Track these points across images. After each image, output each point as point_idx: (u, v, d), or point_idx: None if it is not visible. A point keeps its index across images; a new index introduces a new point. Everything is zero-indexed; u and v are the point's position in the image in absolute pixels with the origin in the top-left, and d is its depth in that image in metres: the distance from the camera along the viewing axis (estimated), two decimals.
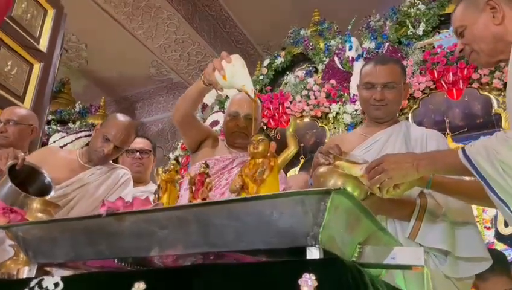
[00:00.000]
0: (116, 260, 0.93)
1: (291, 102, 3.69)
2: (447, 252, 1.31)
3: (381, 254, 0.86)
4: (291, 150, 1.10)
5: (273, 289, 0.59)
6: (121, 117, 2.00)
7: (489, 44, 1.18)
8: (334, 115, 3.52)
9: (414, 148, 1.45)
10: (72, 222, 0.92)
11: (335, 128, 3.54)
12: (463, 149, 1.06)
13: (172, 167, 1.17)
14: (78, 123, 5.17)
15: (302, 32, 4.24)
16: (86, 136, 4.96)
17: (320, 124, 3.65)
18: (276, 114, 3.76)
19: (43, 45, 2.81)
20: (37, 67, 2.74)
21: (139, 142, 2.41)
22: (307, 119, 3.73)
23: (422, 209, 1.35)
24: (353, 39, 3.62)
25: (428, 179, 1.23)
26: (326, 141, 3.69)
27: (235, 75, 1.30)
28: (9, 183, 1.42)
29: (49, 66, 2.82)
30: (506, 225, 3.36)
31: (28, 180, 1.59)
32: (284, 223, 0.72)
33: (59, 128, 5.04)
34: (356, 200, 0.75)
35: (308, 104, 3.61)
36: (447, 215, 1.34)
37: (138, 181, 2.30)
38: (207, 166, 1.16)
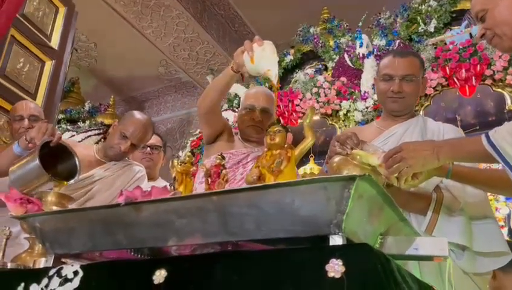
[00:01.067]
0: (132, 251, 0.92)
1: (301, 100, 3.68)
2: (465, 247, 1.29)
3: (404, 245, 0.84)
4: (309, 141, 1.09)
5: (299, 274, 0.58)
6: (139, 115, 1.99)
7: None
8: (345, 113, 3.50)
9: None
10: (89, 212, 0.92)
11: (345, 126, 3.51)
12: (487, 135, 1.03)
13: (187, 158, 1.16)
14: (87, 122, 5.19)
15: (311, 30, 4.22)
16: (95, 134, 4.98)
17: (330, 122, 3.63)
18: (286, 112, 3.75)
19: (55, 42, 2.82)
20: (49, 65, 2.76)
21: (155, 139, 2.43)
22: (317, 117, 3.71)
23: (438, 203, 1.33)
24: (364, 36, 3.60)
25: (448, 168, 1.21)
26: None
27: (262, 59, 1.27)
28: (37, 161, 1.39)
29: (60, 63, 2.83)
30: None
31: (56, 159, 1.56)
32: (306, 211, 0.71)
33: (69, 128, 5.06)
34: (380, 188, 0.74)
35: (318, 102, 3.59)
36: (464, 210, 1.32)
37: (147, 177, 2.30)
38: (223, 158, 1.15)
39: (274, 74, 1.23)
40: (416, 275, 1.22)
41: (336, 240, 0.68)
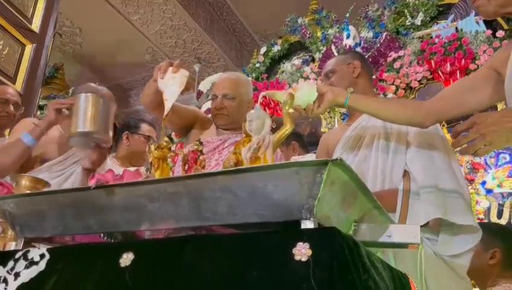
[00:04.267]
0: (105, 236, 0.91)
1: None
2: (439, 231, 1.28)
3: (377, 232, 0.84)
4: (287, 128, 1.08)
5: (266, 258, 0.57)
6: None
7: None
8: None
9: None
10: (59, 195, 0.89)
11: (330, 117, 3.51)
12: None
13: (165, 144, 1.14)
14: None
15: (299, 20, 4.20)
16: None
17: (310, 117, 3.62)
18: (271, 102, 3.73)
19: (36, 25, 2.75)
20: (29, 48, 2.69)
21: (150, 131, 2.43)
22: None
23: (406, 192, 1.32)
24: (351, 27, 3.59)
25: (346, 95, 1.27)
26: (321, 130, 3.68)
27: (167, 87, 1.27)
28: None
29: (41, 47, 2.77)
30: (499, 216, 3.39)
31: None
32: (278, 196, 0.70)
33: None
34: (354, 174, 0.73)
35: None
36: (433, 186, 1.29)
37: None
38: (200, 144, 1.13)
39: (167, 106, 1.22)
40: (391, 264, 1.23)
41: (308, 225, 0.67)
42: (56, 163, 1.89)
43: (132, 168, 2.25)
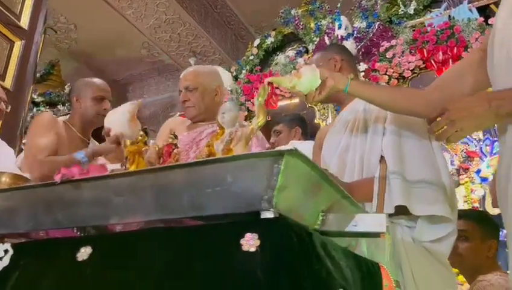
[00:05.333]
0: (77, 230, 0.91)
1: None
2: (417, 217, 1.27)
3: (343, 222, 0.84)
4: (260, 119, 1.07)
5: (214, 249, 0.57)
6: (94, 78, 2.05)
7: None
8: None
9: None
10: (29, 190, 0.90)
11: (324, 108, 3.50)
12: None
13: (140, 138, 1.14)
14: (67, 105, 5.11)
15: (293, 11, 4.18)
16: None
17: (309, 105, 3.61)
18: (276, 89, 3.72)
19: (25, 21, 2.74)
20: (18, 45, 2.69)
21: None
22: (296, 100, 3.69)
23: (382, 180, 1.31)
24: (343, 17, 3.57)
25: (347, 81, 1.24)
26: (315, 121, 3.67)
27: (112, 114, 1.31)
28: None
29: (31, 43, 2.76)
30: (494, 205, 3.37)
31: None
32: (238, 187, 0.70)
33: (48, 110, 4.98)
34: (313, 164, 0.73)
35: None
36: (398, 173, 1.27)
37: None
38: (175, 137, 1.13)
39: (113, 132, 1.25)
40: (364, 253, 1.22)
41: (267, 217, 0.67)
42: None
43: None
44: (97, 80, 2.04)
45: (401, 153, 1.28)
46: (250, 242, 0.54)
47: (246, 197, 0.70)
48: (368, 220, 0.81)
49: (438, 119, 0.96)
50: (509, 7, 1.01)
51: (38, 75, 5.12)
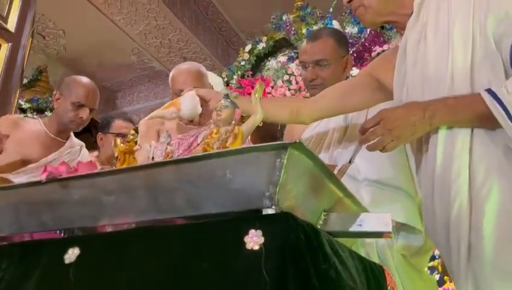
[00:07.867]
0: (62, 232, 0.85)
1: (272, 87, 3.63)
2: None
3: (348, 222, 0.80)
4: (257, 117, 1.03)
5: (216, 247, 0.53)
6: (84, 79, 1.96)
7: (380, 3, 1.08)
8: None
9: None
10: (10, 191, 0.84)
11: None
12: (490, 91, 0.84)
13: (131, 137, 1.10)
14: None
15: (284, 17, 4.17)
16: None
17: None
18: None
19: (11, 24, 2.68)
20: (5, 48, 2.62)
21: (121, 127, 2.35)
22: None
23: (340, 173, 1.30)
24: (334, 22, 3.57)
25: None
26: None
27: None
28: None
29: (18, 46, 2.70)
30: None
31: None
32: (238, 184, 0.65)
33: (35, 117, 4.88)
34: (318, 159, 0.69)
35: (289, 89, 3.55)
36: (377, 181, 1.26)
37: None
38: (168, 136, 1.09)
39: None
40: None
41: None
42: (38, 166, 1.80)
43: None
44: (85, 85, 1.94)
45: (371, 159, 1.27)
46: (254, 240, 0.50)
47: (246, 194, 0.65)
48: (373, 220, 0.77)
49: (372, 128, 0.96)
50: (419, 29, 1.02)
51: (25, 81, 5.03)
